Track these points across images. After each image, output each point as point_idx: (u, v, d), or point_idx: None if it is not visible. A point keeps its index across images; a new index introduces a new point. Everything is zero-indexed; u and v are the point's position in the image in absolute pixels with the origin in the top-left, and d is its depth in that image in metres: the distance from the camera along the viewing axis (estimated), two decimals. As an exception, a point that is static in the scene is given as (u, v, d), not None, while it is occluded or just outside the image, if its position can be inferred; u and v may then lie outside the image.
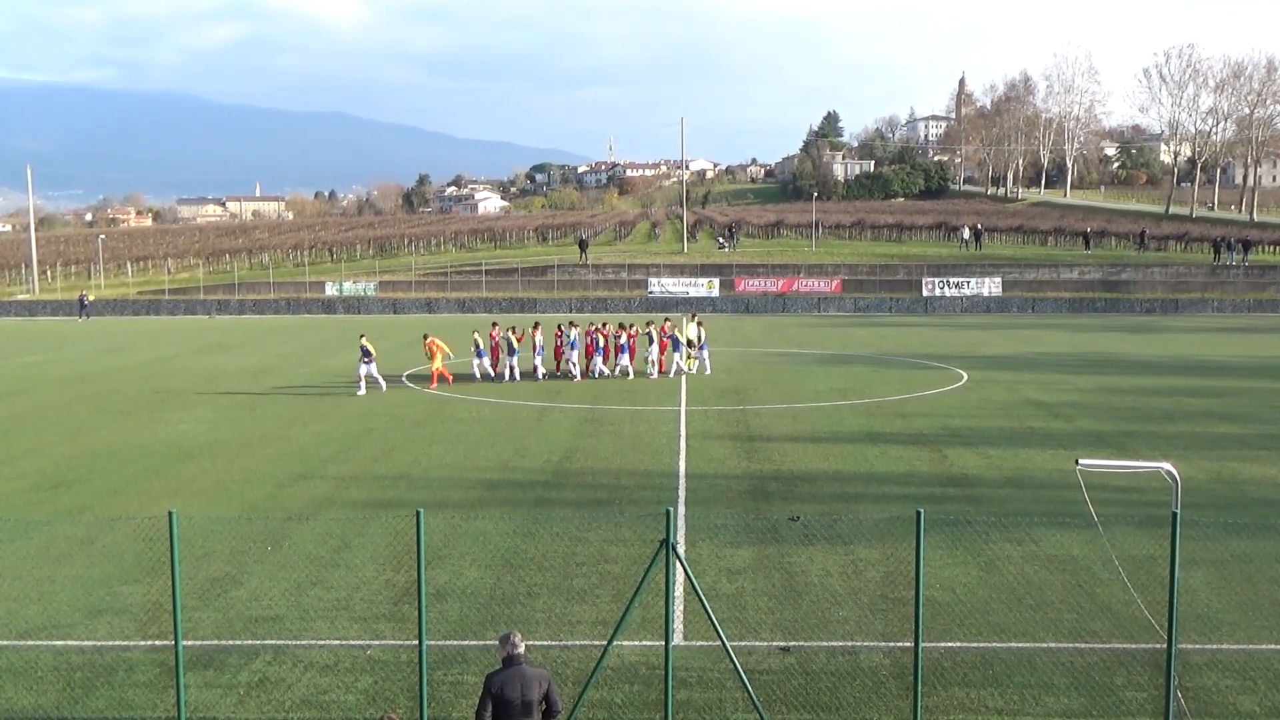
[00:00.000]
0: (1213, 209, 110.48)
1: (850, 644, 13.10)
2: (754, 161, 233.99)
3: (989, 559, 16.29)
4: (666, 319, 41.83)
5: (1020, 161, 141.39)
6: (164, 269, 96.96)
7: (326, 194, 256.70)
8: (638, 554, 16.13)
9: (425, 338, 36.25)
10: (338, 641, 13.25)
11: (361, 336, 34.64)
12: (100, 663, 12.65)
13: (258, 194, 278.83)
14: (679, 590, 13.17)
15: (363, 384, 33.52)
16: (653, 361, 37.84)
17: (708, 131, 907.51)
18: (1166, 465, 12.11)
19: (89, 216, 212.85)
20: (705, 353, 38.52)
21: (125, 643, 13.20)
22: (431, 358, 35.33)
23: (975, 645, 12.98)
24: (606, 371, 37.55)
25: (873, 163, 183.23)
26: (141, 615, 14.05)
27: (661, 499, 19.91)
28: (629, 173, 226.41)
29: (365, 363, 33.66)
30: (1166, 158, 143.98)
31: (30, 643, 13.29)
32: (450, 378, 35.84)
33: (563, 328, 38.48)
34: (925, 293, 75.50)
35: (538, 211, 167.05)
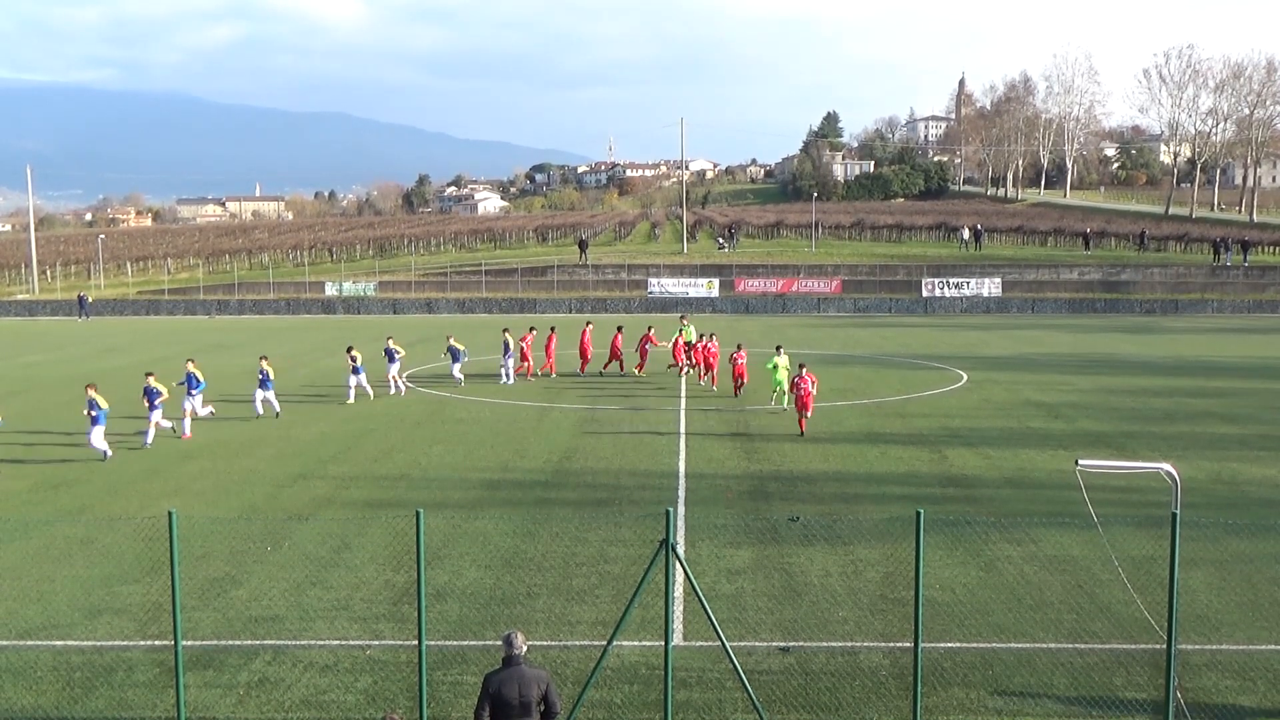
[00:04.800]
0: (1213, 210, 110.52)
1: (850, 644, 13.10)
2: (754, 162, 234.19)
3: (989, 559, 16.29)
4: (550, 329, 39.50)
5: (1020, 162, 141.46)
6: (164, 269, 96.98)
7: (326, 194, 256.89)
8: (638, 554, 16.13)
9: None
10: (338, 641, 13.25)
11: (350, 348, 34.09)
12: (100, 663, 12.65)
13: (258, 194, 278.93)
14: (679, 590, 13.17)
15: (351, 392, 32.44)
16: (506, 370, 36.63)
17: (708, 132, 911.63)
18: (1166, 466, 12.14)
19: (89, 216, 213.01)
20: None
21: (125, 643, 13.20)
22: None
23: (975, 645, 12.98)
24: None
25: (872, 163, 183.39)
26: (141, 615, 14.05)
27: (661, 499, 19.92)
28: (629, 173, 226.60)
29: (356, 371, 32.91)
30: (1166, 158, 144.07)
31: (30, 643, 13.29)
32: None
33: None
34: (925, 293, 75.48)
35: (538, 212, 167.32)
